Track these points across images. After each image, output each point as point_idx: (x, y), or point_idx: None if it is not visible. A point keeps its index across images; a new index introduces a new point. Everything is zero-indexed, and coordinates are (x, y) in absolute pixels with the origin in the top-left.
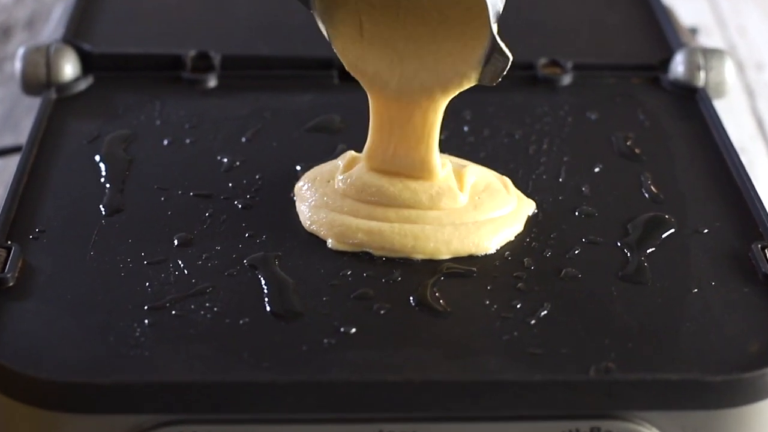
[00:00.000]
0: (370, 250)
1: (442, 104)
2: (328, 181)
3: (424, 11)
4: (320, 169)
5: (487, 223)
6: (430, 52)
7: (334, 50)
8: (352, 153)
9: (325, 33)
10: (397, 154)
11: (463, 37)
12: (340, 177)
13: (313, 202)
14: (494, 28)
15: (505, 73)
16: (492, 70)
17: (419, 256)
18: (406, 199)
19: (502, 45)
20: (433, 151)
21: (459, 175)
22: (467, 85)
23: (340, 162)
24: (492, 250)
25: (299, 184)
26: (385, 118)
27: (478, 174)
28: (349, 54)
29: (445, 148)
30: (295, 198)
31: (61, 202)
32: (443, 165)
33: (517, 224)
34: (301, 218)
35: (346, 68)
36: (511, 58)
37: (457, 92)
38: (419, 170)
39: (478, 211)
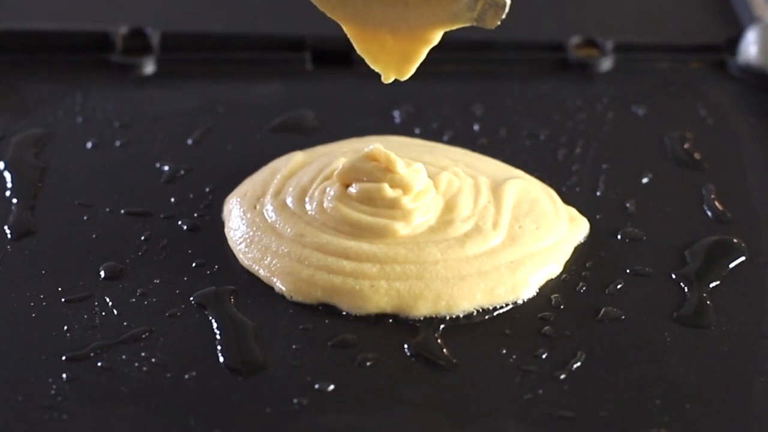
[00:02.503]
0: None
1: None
2: (255, 206)
3: None
4: (254, 179)
5: (526, 260)
6: None
7: None
8: (298, 156)
9: None
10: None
11: None
12: (270, 207)
13: (241, 233)
14: None
15: (504, 14)
16: (486, 8)
17: (423, 315)
18: (398, 256)
19: None
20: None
21: (497, 196)
22: (460, 25)
23: (282, 168)
24: (531, 294)
25: (227, 204)
26: None
27: (521, 189)
28: None
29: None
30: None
31: None
32: (480, 192)
33: (563, 255)
34: (234, 252)
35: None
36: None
37: (447, 29)
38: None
39: (517, 245)
